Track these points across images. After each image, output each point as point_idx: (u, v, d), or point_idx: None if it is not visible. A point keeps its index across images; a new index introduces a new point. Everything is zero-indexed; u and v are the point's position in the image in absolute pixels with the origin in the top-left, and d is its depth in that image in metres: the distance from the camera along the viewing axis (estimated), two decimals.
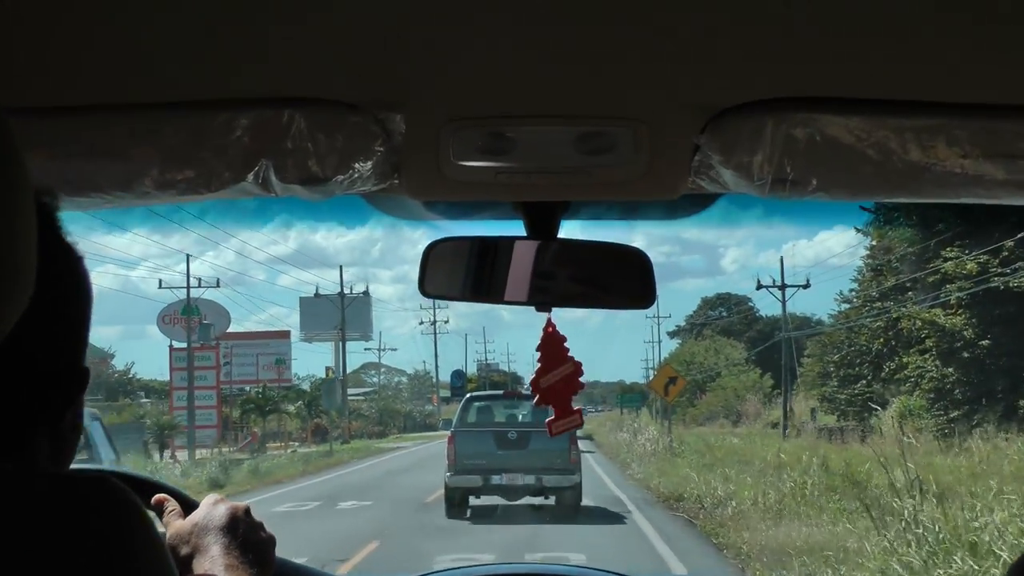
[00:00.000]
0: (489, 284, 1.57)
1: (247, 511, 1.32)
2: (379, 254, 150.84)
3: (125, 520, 0.72)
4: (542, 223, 1.49)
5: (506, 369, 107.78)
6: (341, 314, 51.42)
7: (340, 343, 51.26)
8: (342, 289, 53.35)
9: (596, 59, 1.17)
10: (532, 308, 1.57)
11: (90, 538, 0.69)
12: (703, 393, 62.48)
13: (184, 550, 1.25)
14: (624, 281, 1.59)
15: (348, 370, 76.38)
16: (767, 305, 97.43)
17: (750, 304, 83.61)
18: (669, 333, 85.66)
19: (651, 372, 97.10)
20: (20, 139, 0.71)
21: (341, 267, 55.57)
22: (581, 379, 1.58)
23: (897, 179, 1.29)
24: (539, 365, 1.57)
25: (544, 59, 1.17)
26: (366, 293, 55.50)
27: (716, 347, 69.96)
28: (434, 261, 1.56)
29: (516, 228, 1.52)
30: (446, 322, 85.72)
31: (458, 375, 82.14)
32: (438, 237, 1.57)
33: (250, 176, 1.26)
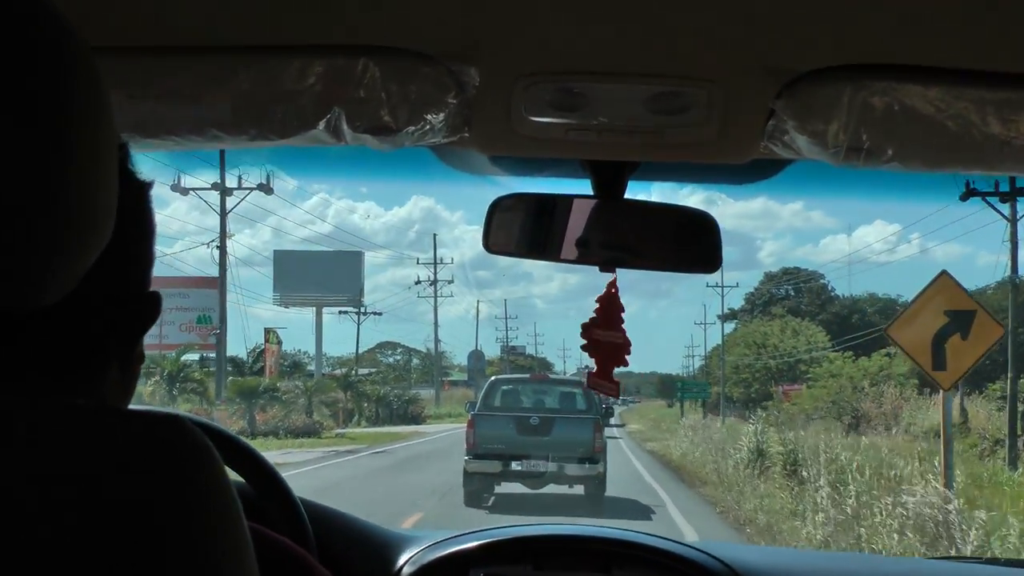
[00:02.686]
0: (553, 242, 1.58)
1: None
2: (415, 236, 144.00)
3: (200, 465, 0.68)
4: (609, 182, 1.52)
5: (533, 353, 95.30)
6: (221, 222, 32.30)
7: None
8: (223, 176, 32.48)
9: (674, 18, 1.15)
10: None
11: (165, 481, 0.65)
12: (783, 384, 49.34)
13: None
14: (690, 244, 1.59)
15: (362, 349, 63.66)
16: (843, 286, 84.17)
17: (823, 281, 71.17)
18: (720, 316, 70.99)
19: (696, 360, 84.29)
20: None
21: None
22: (627, 357, 1.59)
23: (975, 151, 1.28)
24: (594, 315, 1.58)
25: (621, 17, 1.15)
26: (264, 188, 33.84)
27: (793, 327, 57.00)
28: (499, 217, 1.59)
29: (582, 187, 1.55)
30: (450, 281, 70.45)
31: (476, 356, 70.19)
32: (502, 194, 1.59)
33: (321, 124, 1.28)
